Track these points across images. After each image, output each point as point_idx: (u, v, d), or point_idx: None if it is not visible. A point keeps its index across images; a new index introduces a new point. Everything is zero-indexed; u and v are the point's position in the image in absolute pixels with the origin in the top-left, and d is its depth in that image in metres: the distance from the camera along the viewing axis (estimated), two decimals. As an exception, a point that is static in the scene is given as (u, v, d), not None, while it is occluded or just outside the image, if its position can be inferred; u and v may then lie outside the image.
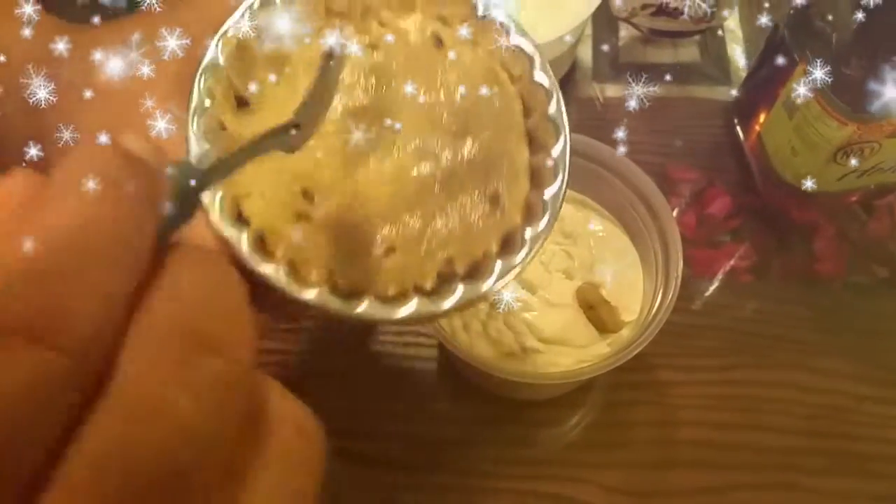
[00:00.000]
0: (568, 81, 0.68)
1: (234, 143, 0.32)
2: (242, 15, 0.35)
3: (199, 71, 0.34)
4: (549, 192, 0.35)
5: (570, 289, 0.50)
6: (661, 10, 0.65)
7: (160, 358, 0.16)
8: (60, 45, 0.33)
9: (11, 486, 0.14)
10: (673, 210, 0.49)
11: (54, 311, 0.15)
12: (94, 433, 0.15)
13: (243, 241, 0.32)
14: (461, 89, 0.37)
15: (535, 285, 0.49)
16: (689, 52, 0.70)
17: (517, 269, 0.34)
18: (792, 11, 0.53)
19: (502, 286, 0.34)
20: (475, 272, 0.34)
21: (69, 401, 0.15)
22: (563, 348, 0.48)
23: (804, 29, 0.52)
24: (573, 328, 0.49)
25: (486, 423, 0.54)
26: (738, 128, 0.63)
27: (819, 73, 0.49)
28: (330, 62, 0.31)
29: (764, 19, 0.65)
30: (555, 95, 0.37)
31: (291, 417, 0.20)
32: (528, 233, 0.35)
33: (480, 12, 0.37)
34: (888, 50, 0.45)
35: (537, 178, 0.36)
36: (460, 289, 0.34)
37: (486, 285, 0.34)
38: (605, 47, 0.70)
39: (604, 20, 0.70)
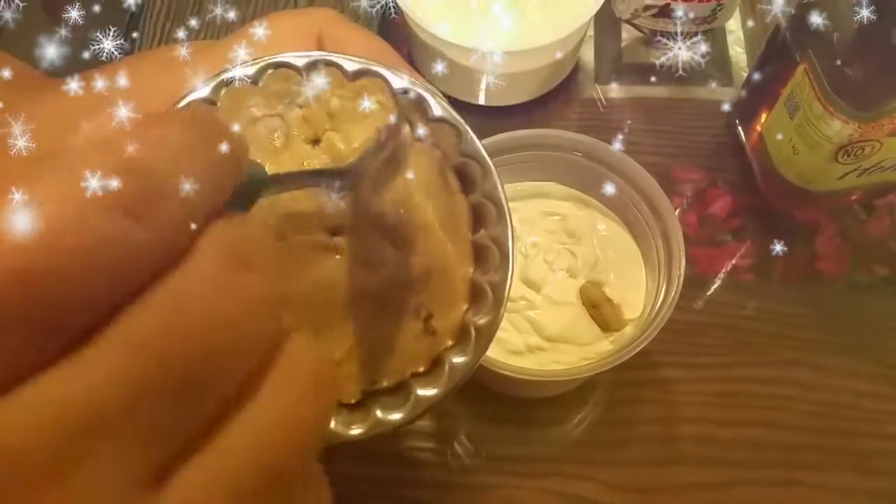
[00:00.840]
0: (570, 82, 0.68)
1: None
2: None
3: None
4: (482, 321, 0.33)
5: (573, 287, 0.50)
6: (663, 12, 0.65)
7: (217, 267, 0.18)
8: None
9: (65, 329, 0.16)
10: (675, 209, 0.49)
11: (150, 198, 0.17)
12: (150, 309, 0.17)
13: None
14: (411, 197, 0.33)
15: (538, 284, 0.50)
16: (690, 54, 0.70)
17: (434, 403, 0.33)
18: (793, 12, 0.54)
19: (418, 418, 0.33)
20: (398, 392, 0.33)
21: (140, 275, 0.17)
22: (567, 346, 0.49)
23: (805, 29, 0.52)
24: (577, 326, 0.49)
25: (490, 421, 0.55)
26: (740, 128, 0.64)
27: (820, 72, 0.50)
28: (398, 133, 0.31)
29: (778, 7, 0.65)
30: (506, 215, 0.34)
31: (307, 360, 0.21)
32: (456, 360, 0.33)
33: (435, 114, 0.34)
34: (889, 49, 0.46)
35: (475, 301, 0.34)
36: (378, 413, 0.32)
37: (399, 417, 0.32)
38: (608, 49, 0.71)
39: (606, 22, 0.71)
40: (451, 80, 0.64)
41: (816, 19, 0.50)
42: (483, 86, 0.63)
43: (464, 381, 0.33)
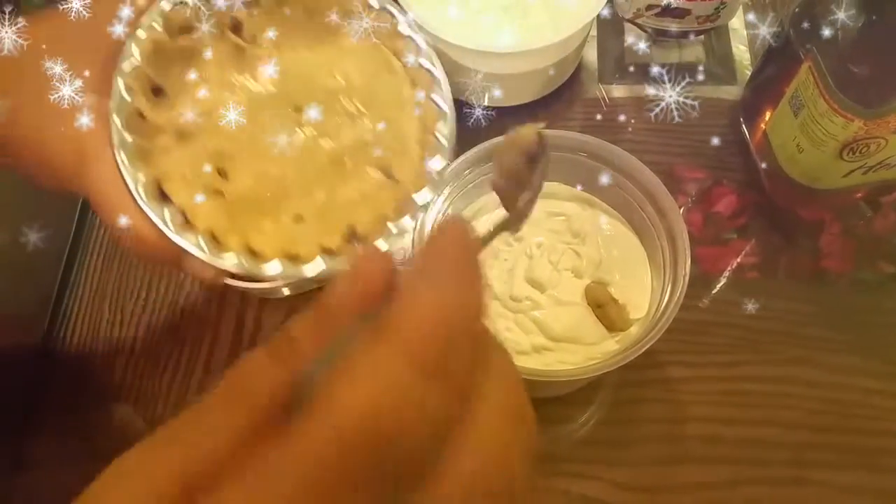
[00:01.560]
0: (574, 82, 0.69)
1: (151, 130, 0.39)
2: (154, 16, 0.39)
3: (118, 69, 0.38)
4: (436, 164, 0.43)
5: (579, 287, 0.50)
6: (666, 11, 0.65)
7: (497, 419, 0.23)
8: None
9: (393, 481, 0.20)
10: (680, 209, 0.49)
11: (451, 358, 0.21)
12: (463, 458, 0.22)
13: (166, 217, 0.37)
14: (360, 76, 0.42)
15: (544, 284, 0.50)
16: (693, 52, 0.70)
17: (409, 231, 0.41)
18: (796, 10, 0.54)
19: (396, 245, 0.40)
20: (374, 233, 0.41)
21: (450, 427, 0.22)
22: (573, 346, 0.49)
23: (809, 26, 0.52)
24: (582, 326, 0.49)
25: (497, 421, 0.55)
26: (744, 126, 0.64)
27: (825, 70, 0.50)
28: (538, 159, 0.36)
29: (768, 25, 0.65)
30: (439, 78, 0.44)
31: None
32: (419, 199, 0.42)
33: (375, 4, 0.43)
34: (893, 45, 0.46)
35: (427, 151, 0.43)
36: (360, 248, 0.40)
37: (382, 245, 0.40)
38: (611, 48, 0.71)
39: (609, 21, 0.71)
40: (453, 80, 0.64)
41: (820, 17, 0.50)
42: (487, 86, 0.63)
43: (436, 196, 0.42)
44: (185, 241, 0.38)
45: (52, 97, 0.37)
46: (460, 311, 0.22)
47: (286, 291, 0.59)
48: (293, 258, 0.39)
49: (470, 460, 0.21)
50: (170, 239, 0.38)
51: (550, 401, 0.55)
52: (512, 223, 0.36)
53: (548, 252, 0.51)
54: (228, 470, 0.20)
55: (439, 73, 0.44)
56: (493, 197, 0.53)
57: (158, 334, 0.60)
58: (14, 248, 0.59)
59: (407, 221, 0.41)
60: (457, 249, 0.23)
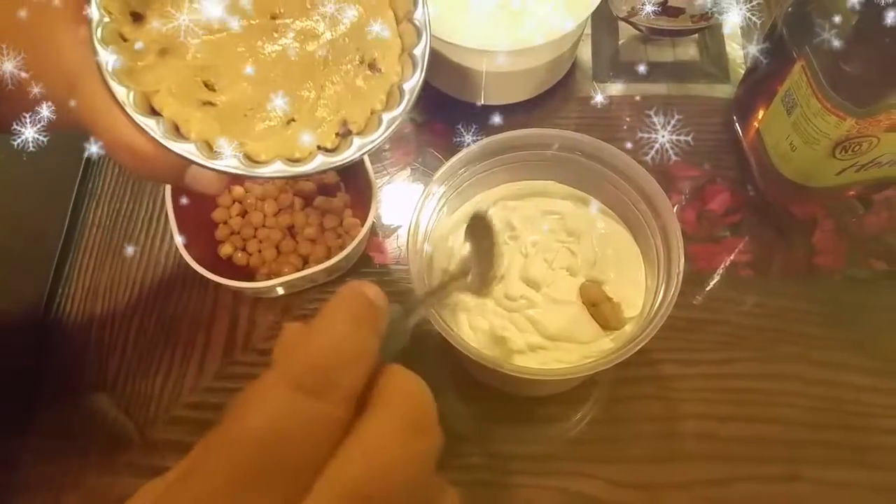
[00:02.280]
0: (568, 81, 0.69)
1: (134, 52, 0.39)
2: None
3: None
4: (417, 50, 0.43)
5: (573, 286, 0.50)
6: (661, 10, 0.65)
7: (386, 430, 0.25)
8: None
9: (282, 488, 0.23)
10: (673, 206, 0.49)
11: (329, 382, 0.25)
12: (345, 466, 0.24)
13: (158, 127, 0.38)
14: None
15: (539, 282, 0.50)
16: (688, 51, 0.70)
17: (400, 119, 0.42)
18: (790, 9, 0.54)
19: (390, 134, 0.41)
20: (368, 127, 0.42)
21: (333, 439, 0.24)
22: (568, 344, 0.49)
23: (802, 26, 0.52)
24: (577, 325, 0.49)
25: (492, 420, 0.55)
26: (737, 125, 0.64)
27: (817, 69, 0.50)
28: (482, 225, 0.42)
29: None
30: None
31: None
32: (406, 85, 0.42)
33: None
34: (885, 45, 0.46)
35: (406, 40, 0.43)
36: (356, 142, 0.41)
37: (377, 136, 0.41)
38: (605, 47, 0.71)
39: (603, 20, 0.71)
40: (449, 79, 0.64)
41: (813, 16, 0.50)
42: (482, 85, 0.63)
43: (418, 100, 0.42)
44: (182, 148, 0.38)
45: (30, 28, 0.38)
46: (344, 343, 0.26)
47: (280, 291, 0.59)
48: (291, 161, 0.41)
49: (351, 468, 0.24)
50: (167, 149, 0.38)
51: (546, 399, 0.55)
52: (472, 288, 0.43)
53: (543, 251, 0.51)
54: None
55: None
56: (486, 196, 0.54)
57: (151, 334, 0.60)
58: (5, 246, 0.58)
59: (398, 111, 0.42)
60: (351, 300, 0.27)
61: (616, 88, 0.69)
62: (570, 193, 0.54)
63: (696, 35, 0.70)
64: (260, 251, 0.60)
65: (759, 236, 0.61)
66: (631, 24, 0.69)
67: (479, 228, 0.43)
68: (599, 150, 0.51)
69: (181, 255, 0.53)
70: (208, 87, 0.41)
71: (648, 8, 0.65)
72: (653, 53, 0.71)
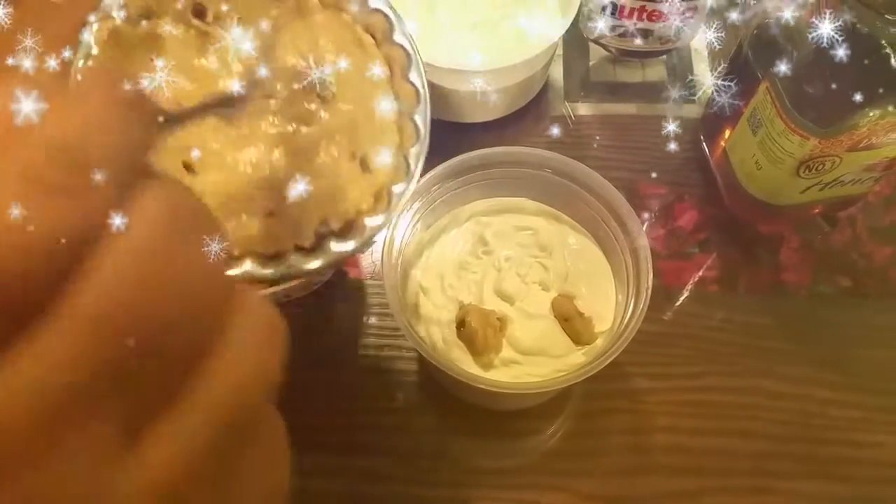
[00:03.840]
0: (540, 100, 0.70)
1: None
2: (106, 8, 0.36)
3: (73, 62, 0.35)
4: (413, 151, 0.39)
5: (546, 300, 0.51)
6: (629, 32, 0.67)
7: (155, 234, 0.19)
8: None
9: (12, 311, 0.17)
10: (643, 224, 0.50)
11: (78, 175, 0.18)
12: (95, 282, 0.17)
13: None
14: (327, 55, 0.38)
15: (513, 296, 0.51)
16: (656, 72, 0.72)
17: (383, 227, 0.38)
18: (755, 31, 0.55)
19: (372, 243, 0.37)
20: (349, 229, 0.37)
21: (79, 249, 0.17)
22: (540, 358, 0.49)
23: (766, 48, 0.54)
24: (550, 339, 0.50)
25: (466, 434, 0.55)
26: (704, 144, 0.65)
27: (781, 90, 0.51)
28: None
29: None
30: (414, 58, 0.39)
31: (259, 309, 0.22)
32: (396, 189, 0.38)
33: None
34: (846, 67, 0.47)
35: (402, 138, 0.39)
36: (333, 245, 0.37)
37: (356, 243, 0.37)
38: (576, 67, 0.72)
39: (574, 41, 0.72)
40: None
41: (777, 39, 0.51)
42: (455, 103, 0.64)
43: (404, 210, 0.39)
44: None
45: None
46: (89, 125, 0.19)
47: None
48: (266, 257, 0.37)
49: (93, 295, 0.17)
50: None
51: (519, 413, 0.55)
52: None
53: (516, 265, 0.52)
54: None
55: (413, 50, 0.40)
56: (459, 212, 0.54)
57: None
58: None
59: (379, 219, 0.38)
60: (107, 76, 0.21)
61: (587, 108, 0.70)
62: (543, 210, 0.55)
63: (665, 56, 0.72)
64: (235, 267, 0.60)
65: (726, 253, 0.62)
66: (601, 45, 0.70)
67: None
68: (571, 168, 0.52)
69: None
70: (187, 168, 0.37)
71: (617, 31, 0.67)
72: (622, 74, 0.72)
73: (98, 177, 0.18)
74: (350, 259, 0.61)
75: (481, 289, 0.51)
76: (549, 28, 0.61)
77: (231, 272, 0.36)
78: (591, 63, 0.73)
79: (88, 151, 0.18)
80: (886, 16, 0.45)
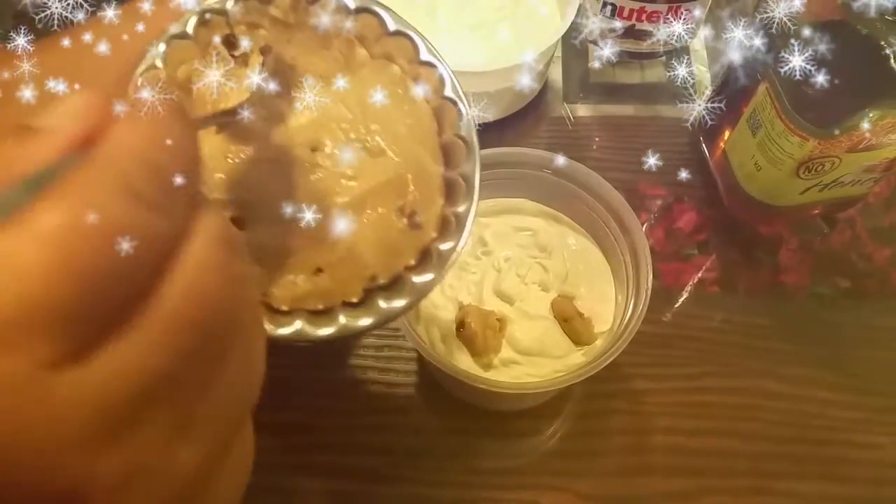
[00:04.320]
0: (540, 102, 0.70)
1: None
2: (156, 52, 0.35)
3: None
4: (461, 208, 0.37)
5: (545, 301, 0.51)
6: (629, 33, 0.67)
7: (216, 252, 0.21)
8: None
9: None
10: (642, 225, 0.50)
11: (163, 190, 0.21)
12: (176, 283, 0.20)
13: None
14: (377, 107, 0.38)
15: (512, 297, 0.51)
16: (655, 73, 0.72)
17: (431, 286, 0.36)
18: (754, 32, 0.55)
19: (418, 301, 0.36)
20: (396, 285, 0.37)
21: (159, 256, 0.20)
22: (540, 359, 0.49)
23: (766, 48, 0.54)
24: (549, 339, 0.50)
25: (465, 435, 0.55)
26: (704, 145, 0.65)
27: (781, 91, 0.51)
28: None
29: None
30: (465, 114, 0.38)
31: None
32: (444, 247, 0.37)
33: (391, 28, 0.37)
34: (846, 68, 0.47)
35: (450, 194, 0.38)
36: (381, 303, 0.36)
37: (406, 300, 0.36)
38: (576, 68, 0.72)
39: (573, 42, 0.72)
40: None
41: (776, 40, 0.51)
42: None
43: (452, 266, 0.37)
44: None
45: None
46: (171, 148, 0.21)
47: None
48: (314, 313, 0.36)
49: (174, 292, 0.20)
50: None
51: (518, 414, 0.55)
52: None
53: (515, 266, 0.52)
54: None
55: (463, 105, 0.38)
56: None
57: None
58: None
59: (428, 277, 0.37)
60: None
61: (586, 109, 0.70)
62: (542, 211, 0.55)
63: (664, 57, 0.72)
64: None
65: (725, 254, 0.62)
66: (600, 46, 0.70)
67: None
68: (570, 169, 0.52)
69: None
70: (236, 223, 0.36)
71: (616, 32, 0.67)
72: (622, 75, 0.72)
73: (180, 197, 0.21)
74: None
75: (481, 289, 0.51)
76: (548, 30, 0.61)
77: (283, 331, 0.35)
78: (590, 64, 0.73)
79: (175, 174, 0.21)
80: (886, 17, 0.45)
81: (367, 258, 0.37)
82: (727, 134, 0.60)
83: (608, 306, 0.52)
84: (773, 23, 0.52)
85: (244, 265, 0.23)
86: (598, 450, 0.54)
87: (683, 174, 0.66)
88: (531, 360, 0.49)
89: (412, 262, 0.37)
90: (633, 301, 0.49)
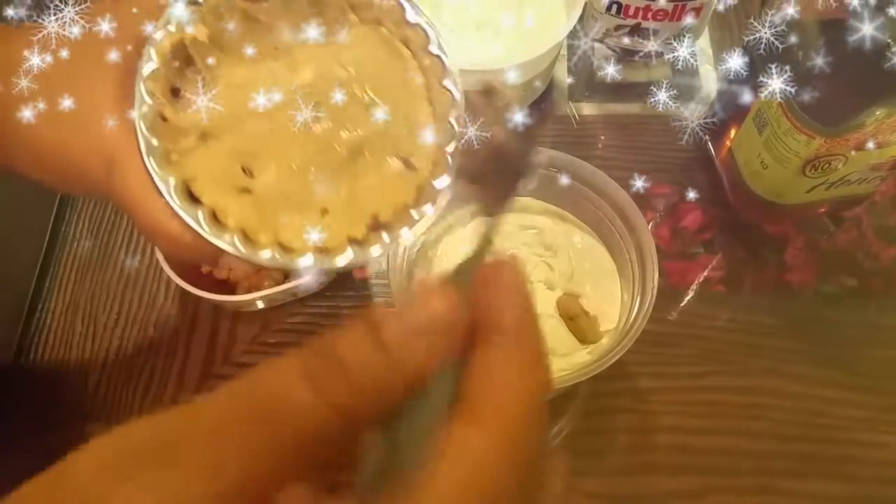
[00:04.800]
0: (545, 100, 0.70)
1: (174, 132, 0.40)
2: (168, 22, 0.40)
3: (138, 74, 0.39)
4: (450, 149, 0.43)
5: (551, 299, 0.51)
6: (634, 32, 0.67)
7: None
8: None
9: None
10: (648, 223, 0.50)
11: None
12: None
13: (201, 219, 0.38)
14: (370, 65, 0.43)
15: (517, 295, 0.51)
16: (661, 71, 0.72)
17: (430, 217, 0.42)
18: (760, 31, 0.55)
19: (421, 232, 0.42)
20: (397, 221, 0.42)
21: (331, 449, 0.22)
22: (545, 357, 0.49)
23: (772, 47, 0.54)
24: (555, 337, 0.50)
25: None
26: (710, 143, 0.65)
27: (787, 89, 0.51)
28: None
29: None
30: (448, 67, 0.44)
31: None
32: (438, 184, 0.42)
33: None
34: (852, 66, 0.47)
35: (440, 137, 0.43)
36: (385, 236, 0.41)
37: (406, 232, 0.41)
38: (581, 67, 0.72)
39: (579, 41, 0.72)
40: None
41: (782, 38, 0.51)
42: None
43: (446, 200, 0.42)
44: (222, 242, 0.39)
45: (75, 105, 0.38)
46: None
47: (260, 304, 0.59)
48: (322, 251, 0.41)
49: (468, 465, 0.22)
50: (205, 239, 0.39)
51: (523, 412, 0.55)
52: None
53: (521, 264, 0.52)
54: None
55: (448, 60, 0.44)
56: (464, 212, 0.54)
57: (131, 348, 0.60)
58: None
59: (428, 209, 0.42)
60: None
61: (591, 108, 0.70)
62: (548, 209, 0.55)
63: (670, 56, 0.72)
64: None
65: (731, 253, 0.62)
66: (606, 45, 0.70)
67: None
68: (576, 168, 0.52)
69: (162, 268, 0.53)
70: (246, 172, 0.41)
71: (621, 31, 0.67)
72: (627, 74, 0.72)
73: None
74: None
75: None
76: (554, 28, 0.61)
77: (297, 261, 0.40)
78: (595, 63, 0.73)
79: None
80: (892, 14, 0.45)
81: (368, 198, 0.41)
82: (733, 132, 0.60)
83: (614, 305, 0.52)
84: (779, 21, 0.52)
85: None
86: (603, 448, 0.54)
87: (689, 173, 0.66)
88: (537, 359, 0.49)
89: (409, 199, 0.42)
90: (638, 300, 0.48)
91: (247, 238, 0.40)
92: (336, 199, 0.42)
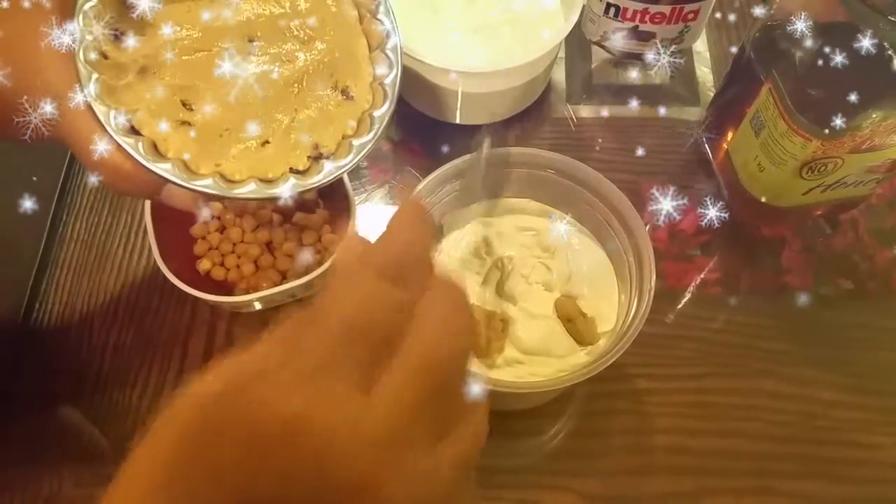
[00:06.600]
0: (543, 102, 0.70)
1: (115, 68, 0.41)
2: None
3: (77, 11, 0.40)
4: (388, 79, 0.45)
5: (549, 300, 0.51)
6: (632, 34, 0.67)
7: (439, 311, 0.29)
8: None
9: (367, 364, 0.26)
10: (645, 225, 0.50)
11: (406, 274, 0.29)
12: (415, 344, 0.27)
13: (139, 148, 0.40)
14: (305, 1, 0.45)
15: (516, 297, 0.51)
16: (659, 74, 0.72)
17: (370, 146, 0.44)
18: (757, 34, 0.55)
19: (360, 160, 0.44)
20: (339, 152, 0.44)
21: (407, 320, 0.27)
22: (544, 358, 0.50)
23: (769, 49, 0.54)
24: (553, 339, 0.50)
25: (468, 434, 0.55)
26: (707, 146, 0.65)
27: (784, 91, 0.52)
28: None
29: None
30: (382, 2, 0.46)
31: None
32: (377, 113, 0.45)
33: None
34: (848, 69, 0.47)
35: (378, 68, 0.46)
36: (327, 165, 0.43)
37: (348, 161, 0.44)
38: (579, 70, 0.72)
39: (576, 44, 0.73)
40: (426, 98, 0.65)
41: (780, 41, 0.52)
42: (458, 104, 0.64)
43: (385, 129, 0.45)
44: (161, 168, 0.40)
45: (14, 44, 0.39)
46: (417, 243, 0.30)
47: (258, 305, 0.59)
48: (265, 181, 0.42)
49: (419, 346, 0.27)
50: (146, 169, 0.40)
51: (521, 413, 0.55)
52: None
53: (519, 266, 0.52)
54: None
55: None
56: (463, 213, 0.54)
57: (128, 348, 0.60)
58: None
59: (368, 138, 0.44)
60: (412, 212, 0.32)
61: (589, 110, 0.70)
62: (546, 211, 0.55)
63: (667, 58, 0.72)
64: (238, 266, 0.60)
65: (728, 255, 0.62)
66: (603, 47, 0.70)
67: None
68: (574, 170, 0.52)
69: (159, 270, 0.53)
70: (186, 106, 0.43)
71: (619, 33, 0.67)
72: (624, 76, 0.72)
73: (416, 275, 0.29)
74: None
75: (484, 290, 0.51)
76: (552, 30, 0.61)
77: (239, 191, 0.42)
78: (593, 65, 0.73)
79: (413, 262, 0.30)
80: (889, 17, 0.45)
81: (308, 129, 0.44)
82: (730, 135, 0.61)
83: (611, 306, 0.52)
84: (776, 24, 0.53)
85: (469, 317, 0.30)
86: (601, 450, 0.55)
87: (686, 175, 0.66)
88: (534, 360, 0.49)
89: (350, 130, 0.45)
90: (636, 301, 0.49)
91: (187, 169, 0.41)
92: (276, 130, 0.43)
